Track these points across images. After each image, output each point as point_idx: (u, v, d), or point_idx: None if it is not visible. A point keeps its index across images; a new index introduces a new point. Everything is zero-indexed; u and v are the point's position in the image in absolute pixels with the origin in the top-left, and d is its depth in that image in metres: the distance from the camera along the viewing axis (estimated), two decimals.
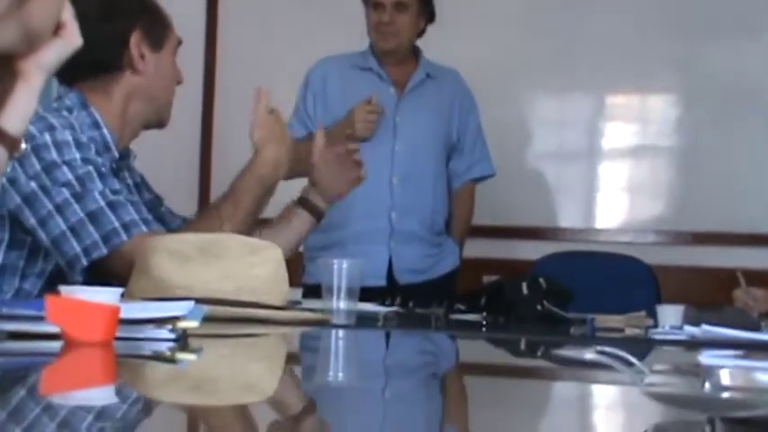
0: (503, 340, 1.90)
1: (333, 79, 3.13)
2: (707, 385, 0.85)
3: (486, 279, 2.41)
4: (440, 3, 3.14)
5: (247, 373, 1.20)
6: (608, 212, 3.86)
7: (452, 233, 3.21)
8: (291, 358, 1.45)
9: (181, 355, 1.23)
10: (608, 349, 0.94)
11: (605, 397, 1.16)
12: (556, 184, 3.87)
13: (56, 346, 1.15)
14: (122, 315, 1.18)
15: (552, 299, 2.19)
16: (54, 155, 1.76)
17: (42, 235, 1.76)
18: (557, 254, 3.53)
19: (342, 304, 1.80)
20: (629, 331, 2.05)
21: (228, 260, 1.65)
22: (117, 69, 1.87)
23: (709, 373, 0.87)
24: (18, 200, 1.75)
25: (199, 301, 1.42)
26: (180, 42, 1.97)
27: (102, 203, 1.76)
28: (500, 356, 1.70)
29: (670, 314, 2.06)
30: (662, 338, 1.88)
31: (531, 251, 3.62)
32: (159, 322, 1.25)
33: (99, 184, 1.77)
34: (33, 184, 1.75)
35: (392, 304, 2.30)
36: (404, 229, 3.04)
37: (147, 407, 0.91)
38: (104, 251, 1.75)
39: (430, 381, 1.25)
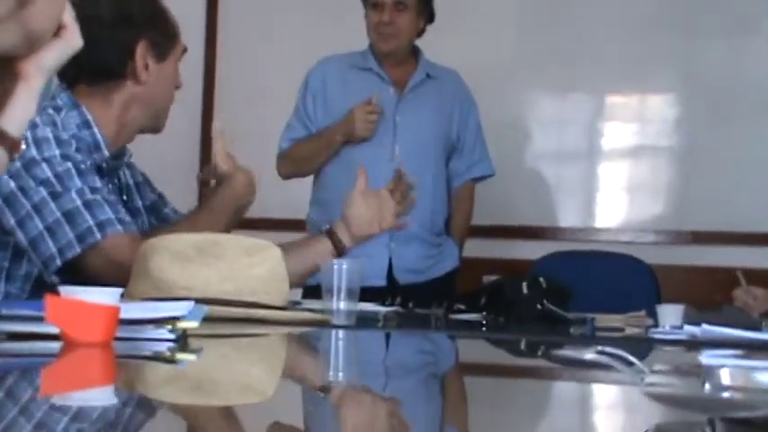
0: (503, 340, 1.90)
1: (333, 80, 3.13)
2: (707, 385, 0.85)
3: (486, 279, 2.40)
4: (439, 3, 3.14)
5: (247, 373, 1.20)
6: (608, 212, 3.86)
7: (452, 233, 3.21)
8: (291, 359, 1.45)
9: (181, 356, 1.23)
10: (608, 349, 0.94)
11: (605, 397, 1.16)
12: (555, 183, 3.88)
13: (55, 346, 1.15)
14: (122, 315, 1.18)
15: (552, 299, 2.19)
16: (33, 152, 1.75)
17: (21, 236, 1.75)
18: (557, 253, 3.53)
19: (342, 304, 1.80)
20: (629, 331, 2.05)
21: (228, 261, 1.65)
22: (120, 78, 1.87)
23: (709, 372, 0.87)
24: None
25: (199, 301, 1.42)
26: (185, 50, 1.96)
27: (79, 202, 1.75)
28: (500, 356, 1.70)
29: (670, 314, 2.06)
30: (662, 338, 1.88)
31: (530, 251, 3.62)
32: (159, 322, 1.25)
33: (77, 182, 1.76)
34: (12, 185, 1.74)
35: (392, 304, 2.30)
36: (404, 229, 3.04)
37: (147, 407, 0.91)
38: (78, 250, 1.74)
39: (430, 381, 1.25)
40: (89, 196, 1.76)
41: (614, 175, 3.87)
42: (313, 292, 2.22)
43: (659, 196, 3.83)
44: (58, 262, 1.74)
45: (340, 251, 2.02)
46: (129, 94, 1.88)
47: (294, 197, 3.28)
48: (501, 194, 3.61)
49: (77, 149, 1.80)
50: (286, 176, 3.18)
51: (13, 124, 1.22)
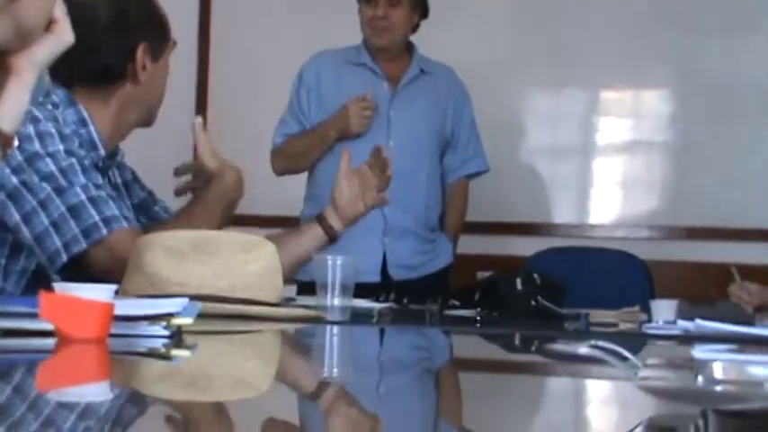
0: (497, 336, 1.90)
1: (327, 75, 3.13)
2: (700, 379, 0.85)
3: (480, 275, 2.40)
4: None
5: (242, 369, 1.20)
6: (602, 208, 3.87)
7: (446, 229, 3.21)
8: (286, 355, 1.45)
9: (175, 352, 1.23)
10: (602, 344, 0.95)
11: (599, 391, 1.17)
12: (550, 179, 3.88)
13: (50, 343, 1.15)
14: (117, 312, 1.18)
15: (546, 294, 2.19)
16: (37, 146, 1.75)
17: (26, 232, 1.74)
18: (551, 249, 3.53)
19: (336, 301, 1.80)
20: (622, 326, 2.05)
21: (223, 257, 1.65)
22: (119, 79, 1.87)
23: (701, 366, 0.87)
24: (1, 197, 1.74)
25: (193, 297, 1.42)
26: (175, 44, 1.96)
27: (84, 197, 1.75)
28: (494, 352, 1.70)
29: (664, 309, 2.06)
30: (655, 333, 1.88)
31: (525, 247, 3.63)
32: (153, 319, 1.25)
33: (81, 178, 1.76)
34: (15, 180, 1.73)
35: (386, 300, 2.30)
36: (398, 224, 3.04)
37: (142, 403, 0.91)
38: (84, 245, 1.74)
39: (424, 376, 1.26)
40: (93, 192, 1.76)
41: (609, 170, 3.88)
42: (307, 288, 2.22)
43: (653, 192, 3.84)
44: (64, 257, 1.74)
45: (331, 237, 2.02)
46: (126, 96, 1.88)
47: (288, 194, 3.28)
48: (495, 190, 3.62)
49: (80, 146, 1.80)
50: (280, 172, 3.18)
51: (6, 119, 1.21)
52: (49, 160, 1.75)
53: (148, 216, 2.03)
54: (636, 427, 0.83)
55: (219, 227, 1.92)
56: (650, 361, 0.98)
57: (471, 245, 3.48)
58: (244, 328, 1.59)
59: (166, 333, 1.24)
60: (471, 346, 1.73)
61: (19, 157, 1.73)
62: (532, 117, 3.90)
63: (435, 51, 3.21)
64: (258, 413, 0.86)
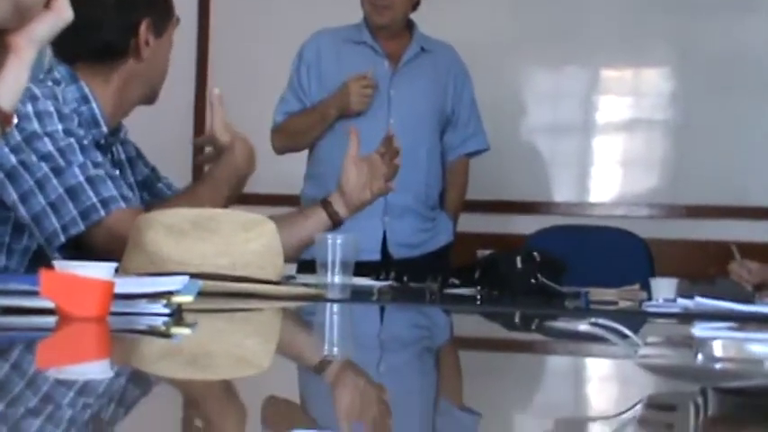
0: (497, 314, 1.90)
1: (327, 53, 3.12)
2: (699, 356, 0.85)
3: (481, 253, 2.40)
4: None
5: (242, 347, 1.20)
6: (602, 186, 3.87)
7: (446, 207, 3.21)
8: (286, 333, 1.45)
9: (175, 330, 1.23)
10: (602, 322, 0.95)
11: (599, 369, 1.17)
12: (550, 158, 3.87)
13: (50, 321, 1.15)
14: (117, 290, 1.18)
15: (546, 273, 2.19)
16: (35, 125, 1.74)
17: (23, 211, 1.74)
18: (551, 228, 3.53)
19: (336, 279, 1.80)
20: (622, 304, 2.06)
21: (223, 235, 1.65)
22: (122, 56, 1.86)
23: (701, 344, 0.87)
24: (0, 176, 1.74)
25: (193, 275, 1.42)
26: (178, 21, 1.96)
27: (82, 178, 1.74)
28: (494, 330, 1.71)
29: (664, 287, 2.07)
30: (655, 311, 1.89)
31: (525, 225, 3.63)
32: (154, 297, 1.25)
33: (80, 157, 1.75)
34: (14, 159, 1.73)
35: (386, 279, 2.31)
36: (398, 203, 3.04)
37: (143, 381, 0.91)
38: (82, 227, 1.74)
39: (425, 354, 1.26)
40: (92, 171, 1.76)
41: (609, 149, 3.87)
42: (308, 266, 2.22)
43: (654, 170, 3.84)
44: (62, 238, 1.74)
45: (335, 222, 2.02)
46: (129, 72, 1.87)
47: (288, 172, 3.27)
48: (495, 169, 3.61)
49: (79, 125, 1.80)
50: (280, 151, 3.18)
51: (5, 98, 1.21)
52: (47, 140, 1.74)
53: (152, 193, 2.03)
54: (635, 404, 0.83)
55: (227, 203, 1.92)
56: (650, 339, 0.99)
57: (471, 223, 3.48)
58: (244, 306, 1.59)
59: (167, 311, 1.24)
60: (471, 324, 1.73)
61: (17, 137, 1.72)
62: (533, 96, 3.89)
63: (436, 30, 3.20)
64: (259, 391, 0.87)
